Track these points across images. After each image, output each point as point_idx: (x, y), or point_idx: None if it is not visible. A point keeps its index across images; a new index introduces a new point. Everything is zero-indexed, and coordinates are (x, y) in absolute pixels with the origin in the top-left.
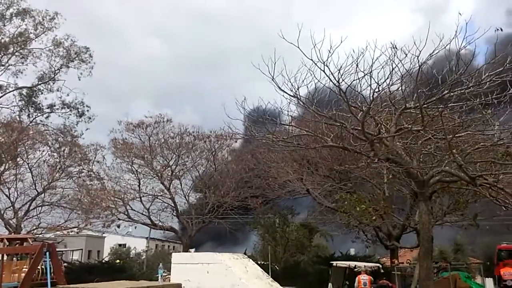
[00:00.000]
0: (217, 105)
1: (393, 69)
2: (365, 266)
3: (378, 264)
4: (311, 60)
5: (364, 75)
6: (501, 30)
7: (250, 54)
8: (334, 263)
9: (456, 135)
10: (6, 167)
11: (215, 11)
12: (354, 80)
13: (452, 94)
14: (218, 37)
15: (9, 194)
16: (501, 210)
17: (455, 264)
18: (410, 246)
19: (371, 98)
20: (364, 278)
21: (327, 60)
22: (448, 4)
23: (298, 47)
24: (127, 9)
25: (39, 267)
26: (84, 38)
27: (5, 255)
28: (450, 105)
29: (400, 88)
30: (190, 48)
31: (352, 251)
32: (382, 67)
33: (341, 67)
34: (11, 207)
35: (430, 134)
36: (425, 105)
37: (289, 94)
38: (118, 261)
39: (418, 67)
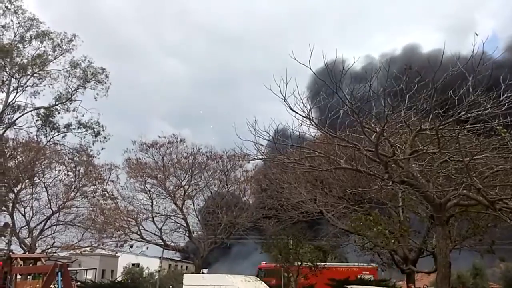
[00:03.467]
0: (236, 125)
1: (407, 89)
2: None
3: None
4: (323, 81)
5: (378, 95)
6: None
7: (266, 74)
8: (349, 287)
9: (474, 158)
10: (23, 186)
11: (233, 33)
12: (368, 101)
13: (469, 115)
14: (235, 57)
15: (25, 213)
16: None
17: None
18: (427, 270)
19: (385, 119)
20: None
21: (339, 81)
22: (474, 24)
23: (310, 68)
24: (146, 30)
25: (51, 287)
26: (103, 59)
27: (18, 274)
28: (467, 126)
29: (415, 109)
30: (208, 68)
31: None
32: (396, 87)
33: (353, 88)
34: (26, 226)
35: (447, 156)
36: (441, 127)
37: (301, 115)
38: (122, 279)
39: (433, 88)
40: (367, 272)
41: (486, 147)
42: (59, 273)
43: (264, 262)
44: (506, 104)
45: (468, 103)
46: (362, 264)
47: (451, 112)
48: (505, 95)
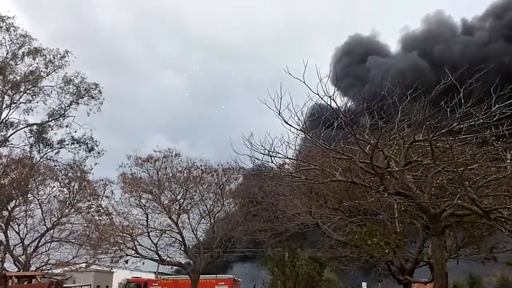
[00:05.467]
0: (232, 138)
1: (398, 101)
2: None
3: None
4: (317, 94)
5: (371, 108)
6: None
7: (263, 86)
8: None
9: (468, 168)
10: (17, 203)
11: (230, 46)
12: (362, 114)
13: (461, 126)
14: (232, 70)
15: (19, 231)
16: None
17: None
18: (424, 280)
19: (380, 131)
20: None
21: (333, 94)
22: None
23: (304, 82)
24: (142, 44)
25: None
26: (99, 73)
27: None
28: (460, 137)
29: (408, 121)
30: (205, 81)
31: (364, 286)
32: (389, 99)
33: (347, 101)
34: (21, 244)
35: (441, 167)
36: (435, 138)
37: (296, 128)
38: None
39: (426, 100)
40: (223, 283)
41: (479, 158)
42: None
43: (134, 277)
44: (497, 115)
45: (460, 114)
46: (220, 275)
47: (444, 123)
48: (496, 106)
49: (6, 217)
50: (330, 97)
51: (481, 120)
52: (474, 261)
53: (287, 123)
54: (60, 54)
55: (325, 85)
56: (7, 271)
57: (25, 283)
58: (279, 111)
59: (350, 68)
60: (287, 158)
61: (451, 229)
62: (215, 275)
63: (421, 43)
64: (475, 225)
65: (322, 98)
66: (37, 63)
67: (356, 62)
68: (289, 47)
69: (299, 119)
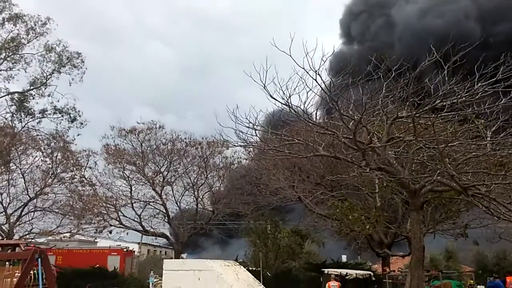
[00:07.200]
0: (219, 111)
1: (383, 77)
2: (356, 274)
3: (369, 272)
4: (303, 68)
5: (356, 83)
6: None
7: (252, 59)
8: (326, 270)
9: (448, 145)
10: None
11: (217, 17)
12: (346, 89)
13: (444, 103)
14: (221, 42)
15: (2, 200)
16: (493, 220)
17: (446, 272)
18: (402, 254)
19: (364, 106)
20: (333, 284)
21: (319, 68)
22: None
23: (290, 56)
24: (129, 13)
25: (31, 272)
26: (85, 43)
27: None
28: (442, 114)
29: (392, 97)
30: (193, 53)
31: (344, 258)
32: (373, 75)
33: (332, 76)
34: (3, 213)
35: (422, 144)
36: (417, 115)
37: (280, 102)
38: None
39: (410, 76)
40: (115, 254)
41: (459, 135)
42: (39, 259)
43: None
44: (480, 93)
45: (444, 92)
46: (113, 246)
47: (427, 100)
48: (479, 84)
49: None
50: (316, 71)
51: (464, 98)
52: (450, 235)
53: (272, 96)
54: (41, 21)
55: (311, 58)
56: None
57: (9, 251)
58: (264, 85)
59: (371, 28)
60: (272, 131)
61: (430, 204)
62: (108, 246)
63: None
64: (453, 201)
65: (307, 72)
66: (18, 30)
67: (375, 11)
68: (283, 20)
69: (284, 93)
